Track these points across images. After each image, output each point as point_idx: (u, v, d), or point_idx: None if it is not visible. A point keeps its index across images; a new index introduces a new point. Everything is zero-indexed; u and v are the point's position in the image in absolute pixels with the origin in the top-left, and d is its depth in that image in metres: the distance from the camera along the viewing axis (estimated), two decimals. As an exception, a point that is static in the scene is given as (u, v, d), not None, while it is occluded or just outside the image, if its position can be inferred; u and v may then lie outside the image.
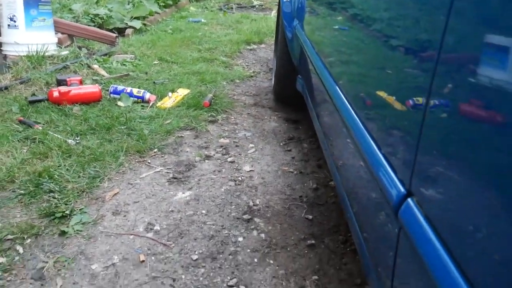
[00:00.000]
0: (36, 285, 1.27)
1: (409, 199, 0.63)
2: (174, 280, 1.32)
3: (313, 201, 1.78)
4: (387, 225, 0.75)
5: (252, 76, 3.45)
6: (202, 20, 5.23)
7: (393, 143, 0.81)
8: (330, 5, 1.70)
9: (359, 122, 1.06)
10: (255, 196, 1.79)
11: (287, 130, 2.48)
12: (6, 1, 3.06)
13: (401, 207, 0.63)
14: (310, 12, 2.07)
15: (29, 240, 1.44)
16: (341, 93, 1.27)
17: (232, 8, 6.45)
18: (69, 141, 2.06)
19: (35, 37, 3.14)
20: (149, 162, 1.99)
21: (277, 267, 1.40)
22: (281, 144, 2.29)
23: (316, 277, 1.37)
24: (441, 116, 0.60)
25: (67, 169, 1.82)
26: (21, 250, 1.40)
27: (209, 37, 4.44)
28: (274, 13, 5.90)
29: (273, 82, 3.01)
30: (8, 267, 1.33)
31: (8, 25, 3.09)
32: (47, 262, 1.35)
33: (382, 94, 0.94)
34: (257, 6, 6.65)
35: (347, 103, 1.21)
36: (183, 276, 1.33)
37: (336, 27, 1.59)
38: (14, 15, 3.07)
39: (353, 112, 1.15)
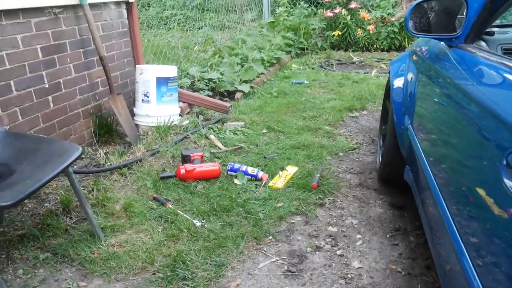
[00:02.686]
0: None
1: None
2: None
3: (422, 310, 1.83)
4: None
5: (355, 148, 3.56)
6: (305, 82, 5.48)
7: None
8: (442, 117, 1.79)
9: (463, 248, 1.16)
10: (365, 298, 1.89)
11: (393, 218, 2.54)
12: (142, 80, 3.55)
13: None
14: (421, 117, 2.15)
15: (170, 329, 1.69)
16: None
17: (332, 64, 6.65)
18: (196, 223, 2.34)
19: (163, 110, 3.60)
20: (265, 250, 2.19)
21: None
22: (388, 236, 2.36)
23: None
24: None
25: (196, 255, 2.08)
26: None
27: (313, 102, 4.65)
28: (374, 72, 5.99)
29: (377, 162, 3.10)
30: None
31: (142, 99, 3.58)
32: None
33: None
34: (357, 63, 6.78)
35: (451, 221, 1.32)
36: None
37: (447, 137, 1.68)
38: (148, 92, 3.54)
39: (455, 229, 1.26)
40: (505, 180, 0.97)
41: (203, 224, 2.35)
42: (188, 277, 1.94)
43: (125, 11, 3.72)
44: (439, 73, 1.87)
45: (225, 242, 2.19)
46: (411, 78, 2.43)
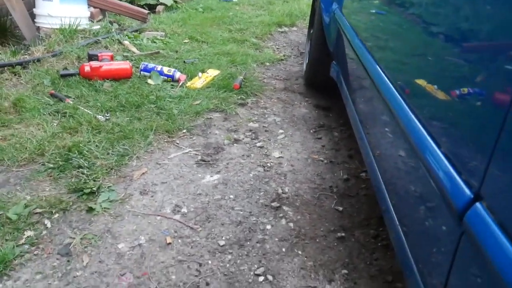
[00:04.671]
0: (63, 261, 1.27)
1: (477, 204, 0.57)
2: (200, 265, 1.29)
3: (343, 192, 1.73)
4: (443, 226, 0.69)
5: (282, 60, 3.37)
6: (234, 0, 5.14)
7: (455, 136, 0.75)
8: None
9: (408, 110, 0.99)
10: (284, 183, 1.75)
11: (318, 117, 2.41)
12: (42, -27, 3.05)
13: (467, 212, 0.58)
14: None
15: (57, 215, 1.44)
16: (387, 80, 1.20)
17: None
18: (99, 117, 2.05)
19: (68, 10, 3.14)
20: (177, 143, 1.97)
21: (305, 258, 1.37)
22: (311, 131, 2.23)
23: (345, 271, 1.33)
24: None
25: (97, 145, 1.81)
26: (49, 225, 1.40)
27: (240, 17, 4.36)
28: (307, -6, 5.76)
29: (304, 68, 2.94)
30: (36, 241, 1.33)
31: (43, -3, 3.09)
32: (74, 238, 1.35)
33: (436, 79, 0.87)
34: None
35: (394, 90, 1.14)
36: (209, 262, 1.31)
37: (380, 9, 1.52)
38: (48, -12, 3.06)
39: (400, 98, 1.08)
40: None
41: (107, 118, 2.06)
42: (84, 166, 1.67)
43: None
44: None
45: (132, 134, 1.94)
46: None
